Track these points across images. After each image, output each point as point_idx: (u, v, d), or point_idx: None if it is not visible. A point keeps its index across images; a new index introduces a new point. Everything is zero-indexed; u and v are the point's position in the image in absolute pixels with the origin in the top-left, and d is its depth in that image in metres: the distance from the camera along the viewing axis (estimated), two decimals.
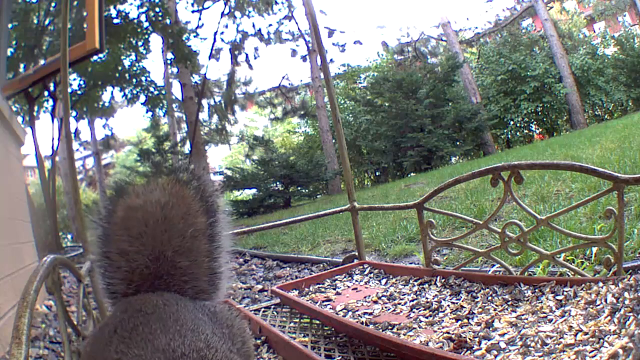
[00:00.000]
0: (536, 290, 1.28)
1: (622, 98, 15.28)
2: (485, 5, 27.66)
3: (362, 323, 1.33)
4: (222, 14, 13.39)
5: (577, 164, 1.38)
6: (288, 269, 3.53)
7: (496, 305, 1.26)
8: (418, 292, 1.54)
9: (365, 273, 1.88)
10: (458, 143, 14.48)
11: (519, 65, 14.89)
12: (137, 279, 0.97)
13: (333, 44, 16.50)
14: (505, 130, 15.79)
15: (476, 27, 19.04)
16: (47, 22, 6.28)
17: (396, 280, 1.72)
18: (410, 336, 1.18)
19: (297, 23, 15.03)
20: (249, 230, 2.28)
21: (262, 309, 1.77)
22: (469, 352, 1.03)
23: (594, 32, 18.09)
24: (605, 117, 15.94)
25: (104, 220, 1.03)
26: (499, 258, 1.60)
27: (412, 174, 13.53)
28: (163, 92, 11.36)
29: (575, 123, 14.95)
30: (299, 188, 13.23)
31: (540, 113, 15.26)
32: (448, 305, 1.35)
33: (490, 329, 1.11)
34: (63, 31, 1.81)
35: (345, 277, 1.89)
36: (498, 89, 15.47)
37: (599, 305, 1.06)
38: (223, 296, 1.09)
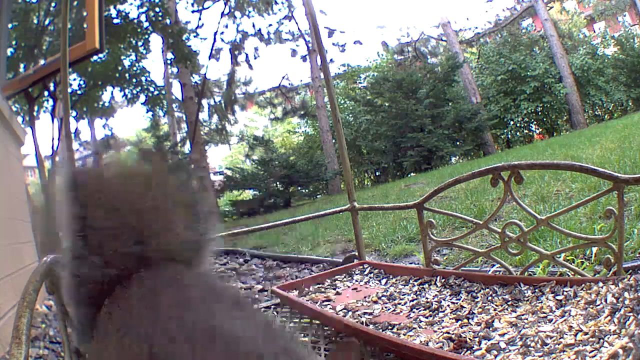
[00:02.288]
0: (536, 290, 1.28)
1: (622, 98, 15.27)
2: (485, 5, 27.63)
3: (362, 323, 1.33)
4: (222, 14, 13.39)
5: (577, 164, 1.38)
6: (288, 269, 3.53)
7: (496, 305, 1.26)
8: (418, 292, 1.54)
9: (365, 273, 1.88)
10: (458, 143, 14.47)
11: (519, 65, 14.88)
12: (119, 261, 0.90)
13: (333, 44, 16.51)
14: (505, 130, 15.78)
15: (476, 27, 19.02)
16: (47, 22, 6.28)
17: (396, 280, 1.72)
18: (410, 336, 1.18)
19: (297, 23, 15.03)
20: (249, 230, 2.28)
21: (262, 309, 1.77)
22: (469, 352, 1.03)
23: (594, 32, 18.08)
24: (605, 117, 15.93)
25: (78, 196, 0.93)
26: (499, 258, 1.60)
27: (412, 174, 13.52)
28: (163, 92, 11.35)
29: (575, 123, 14.95)
30: (299, 188, 13.23)
31: (540, 113, 15.25)
32: (448, 305, 1.35)
33: (490, 329, 1.11)
34: (63, 31, 1.81)
35: (345, 277, 1.89)
36: (498, 89, 15.46)
37: (599, 305, 1.06)
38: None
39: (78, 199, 0.92)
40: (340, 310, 1.49)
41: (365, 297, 1.59)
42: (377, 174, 16.56)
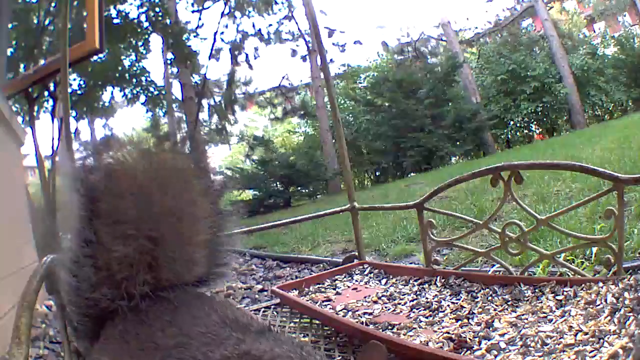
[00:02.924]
0: (536, 290, 1.28)
1: (622, 98, 15.27)
2: (485, 5, 27.66)
3: (362, 323, 1.33)
4: (222, 14, 13.38)
5: (577, 164, 1.38)
6: (288, 269, 3.54)
7: (496, 305, 1.26)
8: (418, 292, 1.54)
9: (365, 273, 1.88)
10: (458, 143, 14.46)
11: (519, 65, 14.88)
12: (128, 274, 0.80)
13: (333, 44, 16.46)
14: (505, 130, 15.77)
15: (476, 27, 19.01)
16: (47, 22, 6.28)
17: (396, 280, 1.72)
18: (410, 336, 1.18)
19: (297, 23, 15.01)
20: (249, 230, 2.28)
21: (262, 309, 1.77)
22: (469, 352, 1.03)
23: (594, 32, 18.08)
24: (605, 117, 15.93)
25: (86, 196, 0.81)
26: (499, 258, 1.59)
27: (412, 174, 13.52)
28: (163, 92, 11.37)
29: (575, 123, 14.94)
30: (299, 188, 13.22)
31: (540, 113, 15.24)
32: (448, 305, 1.35)
33: (490, 329, 1.11)
34: (63, 31, 1.81)
35: (345, 277, 1.88)
36: (498, 89, 15.46)
37: (599, 305, 1.06)
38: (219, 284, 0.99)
39: (88, 221, 0.82)
40: (340, 310, 1.49)
41: (365, 297, 1.59)
42: (377, 174, 16.56)
